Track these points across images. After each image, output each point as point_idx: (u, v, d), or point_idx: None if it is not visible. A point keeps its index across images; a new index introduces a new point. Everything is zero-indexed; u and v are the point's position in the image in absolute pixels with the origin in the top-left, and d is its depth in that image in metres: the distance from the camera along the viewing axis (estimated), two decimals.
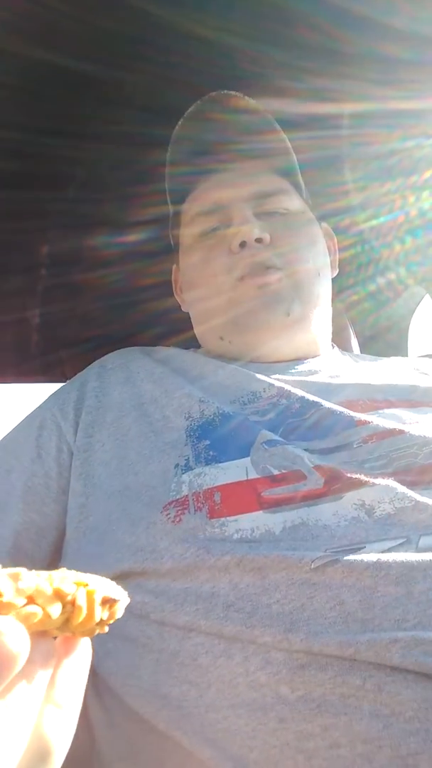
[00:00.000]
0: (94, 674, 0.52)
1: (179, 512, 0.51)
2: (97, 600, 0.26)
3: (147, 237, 0.93)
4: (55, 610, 0.25)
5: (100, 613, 0.27)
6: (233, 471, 0.53)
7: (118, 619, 0.28)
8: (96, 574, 0.53)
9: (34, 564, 0.60)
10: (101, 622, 0.27)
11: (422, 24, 0.79)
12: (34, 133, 0.82)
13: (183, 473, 0.54)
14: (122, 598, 0.28)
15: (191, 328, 0.85)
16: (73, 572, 0.27)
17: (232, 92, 0.79)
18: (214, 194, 0.77)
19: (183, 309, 0.87)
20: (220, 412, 0.61)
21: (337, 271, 0.85)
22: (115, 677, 0.50)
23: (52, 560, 0.62)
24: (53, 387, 1.04)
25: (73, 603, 0.26)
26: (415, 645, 0.41)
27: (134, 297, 0.96)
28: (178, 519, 0.51)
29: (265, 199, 0.76)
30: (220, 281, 0.72)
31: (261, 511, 0.50)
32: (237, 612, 0.45)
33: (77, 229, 0.94)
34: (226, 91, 0.79)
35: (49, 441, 0.66)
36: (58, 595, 0.25)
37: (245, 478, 0.53)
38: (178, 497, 0.52)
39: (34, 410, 0.72)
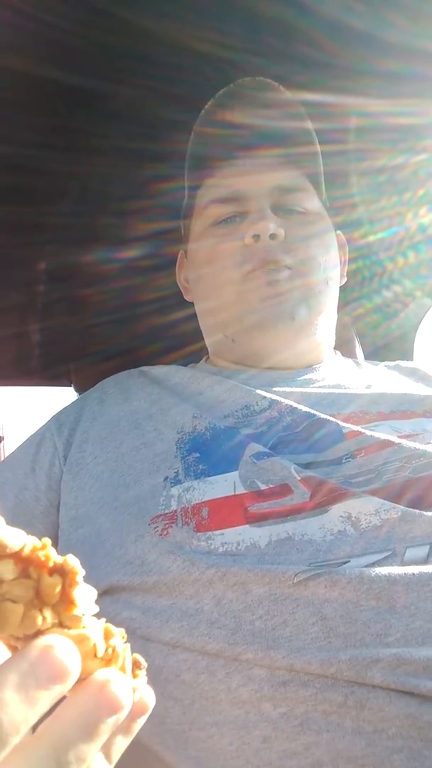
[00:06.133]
0: None
1: (167, 525, 0.51)
2: (128, 657, 0.25)
3: (145, 251, 0.93)
4: (101, 648, 0.23)
5: (129, 672, 0.24)
6: (221, 485, 0.53)
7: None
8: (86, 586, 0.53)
9: None
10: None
11: (419, 39, 0.79)
12: (28, 147, 0.81)
13: (172, 486, 0.54)
14: (145, 667, 0.26)
15: (194, 342, 0.84)
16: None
17: (268, 80, 0.76)
18: (232, 182, 0.74)
19: (186, 298, 0.85)
20: (212, 425, 0.61)
21: (345, 279, 0.83)
22: None
23: None
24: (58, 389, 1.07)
25: (113, 649, 0.24)
26: (397, 665, 0.40)
27: (135, 311, 0.96)
28: (165, 532, 0.51)
29: (285, 194, 0.73)
30: (229, 274, 0.70)
31: (247, 525, 0.50)
32: (220, 629, 0.45)
33: (74, 243, 0.94)
34: (261, 78, 0.76)
35: (44, 457, 0.67)
36: (106, 635, 0.24)
37: (233, 493, 0.53)
38: (166, 511, 0.53)
39: (37, 429, 0.73)
